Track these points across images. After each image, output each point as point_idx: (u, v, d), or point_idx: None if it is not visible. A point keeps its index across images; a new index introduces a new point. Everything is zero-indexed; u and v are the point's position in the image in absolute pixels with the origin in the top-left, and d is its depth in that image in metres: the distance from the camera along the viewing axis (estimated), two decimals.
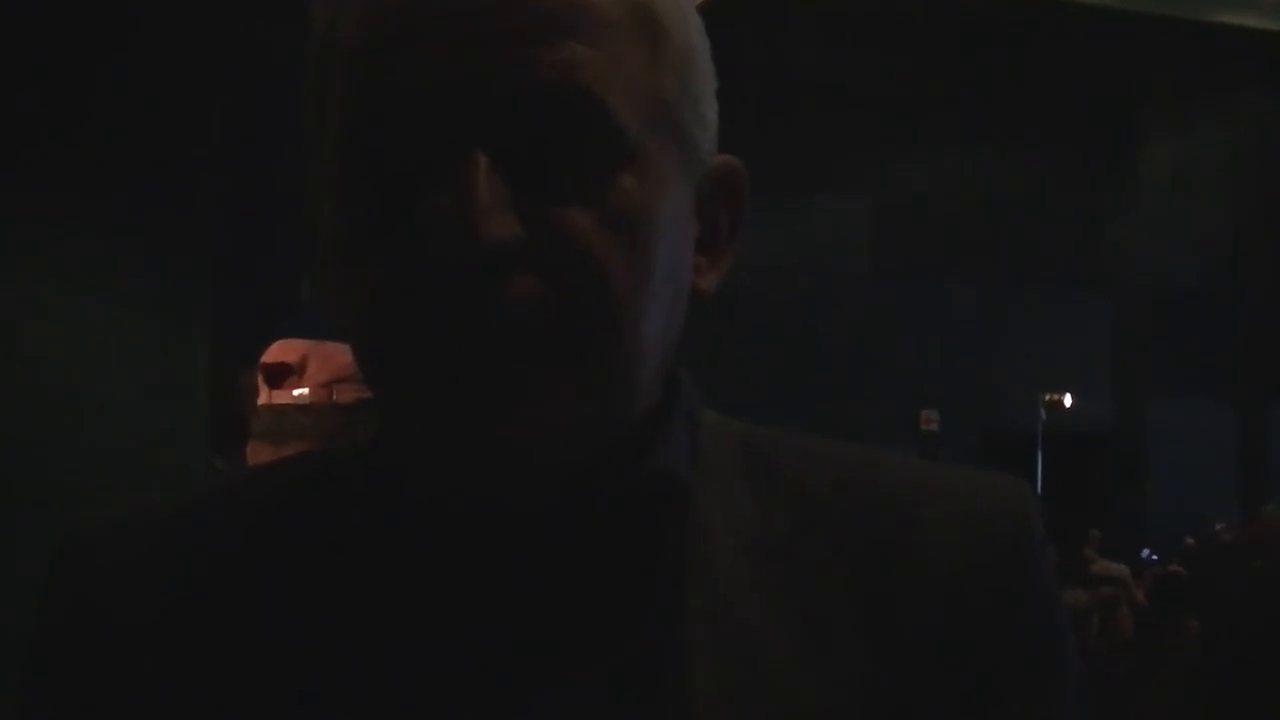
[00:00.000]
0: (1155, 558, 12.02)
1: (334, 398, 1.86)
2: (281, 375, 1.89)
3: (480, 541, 0.69)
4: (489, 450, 0.65)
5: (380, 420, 0.73)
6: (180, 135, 5.71)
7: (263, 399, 1.91)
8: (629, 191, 0.64)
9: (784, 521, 0.71)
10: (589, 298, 0.63)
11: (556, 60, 0.63)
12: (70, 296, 5.80)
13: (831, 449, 0.76)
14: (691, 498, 0.69)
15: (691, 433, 0.72)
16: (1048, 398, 15.47)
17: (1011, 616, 0.70)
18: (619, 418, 0.67)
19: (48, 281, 5.83)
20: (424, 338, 0.63)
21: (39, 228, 5.79)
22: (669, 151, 0.67)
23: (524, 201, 0.62)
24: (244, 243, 5.77)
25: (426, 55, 0.63)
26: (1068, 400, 15.64)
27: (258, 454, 1.90)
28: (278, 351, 1.93)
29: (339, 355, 1.84)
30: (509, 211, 0.62)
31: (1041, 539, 0.74)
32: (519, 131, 0.63)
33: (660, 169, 0.66)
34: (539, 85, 0.63)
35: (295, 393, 1.86)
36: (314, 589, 0.71)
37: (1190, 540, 12.34)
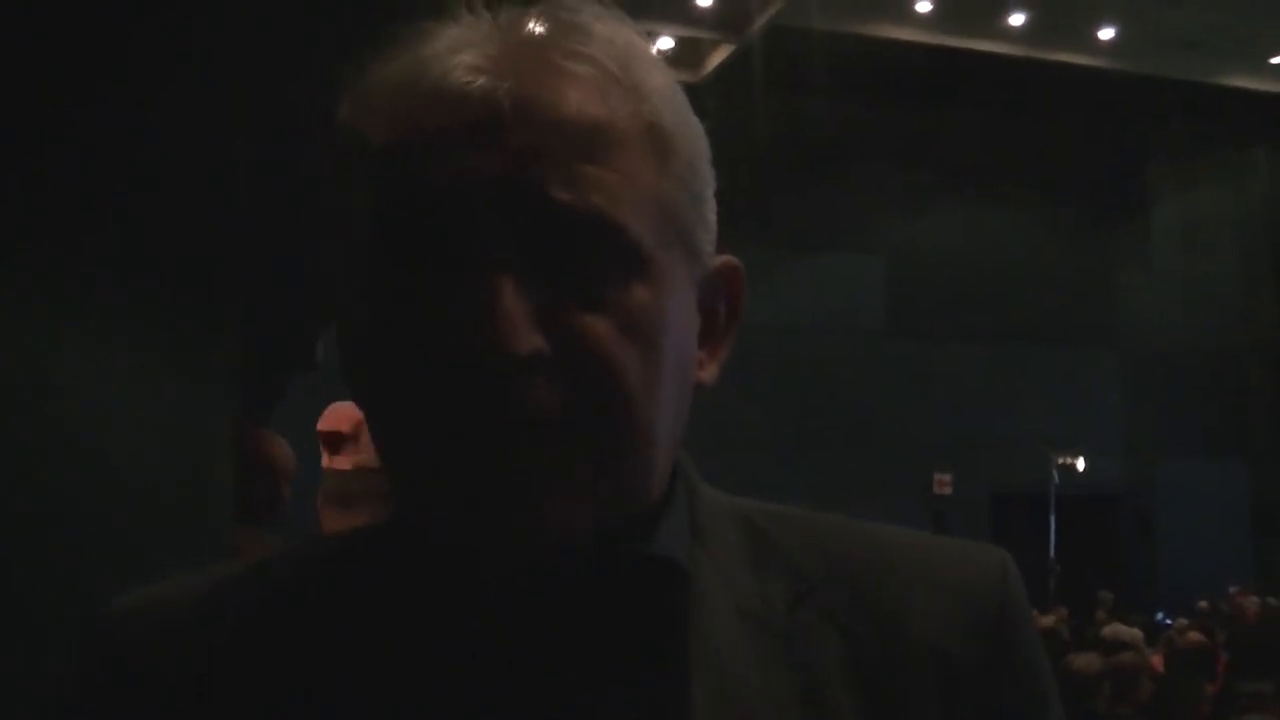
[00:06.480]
0: (1170, 621, 11.95)
1: None
2: (338, 442, 1.94)
3: (487, 604, 0.71)
4: (508, 544, 0.67)
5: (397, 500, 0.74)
6: (206, 199, 5.78)
7: (325, 463, 1.95)
8: (642, 300, 0.67)
9: (780, 595, 0.74)
10: (606, 401, 0.66)
11: (575, 182, 0.66)
12: (93, 353, 5.84)
13: (825, 525, 0.79)
14: (690, 580, 0.72)
15: (691, 511, 0.76)
16: (1061, 460, 15.44)
17: (999, 683, 0.73)
18: (634, 507, 0.70)
19: (73, 334, 5.88)
20: (449, 438, 0.66)
21: (65, 285, 5.84)
22: (677, 257, 0.71)
23: (544, 309, 0.65)
24: (262, 302, 5.82)
25: (454, 162, 0.66)
26: (1080, 464, 15.60)
27: (327, 515, 1.94)
28: (331, 419, 1.97)
29: None
30: (531, 323, 0.65)
31: (1025, 605, 0.77)
32: (540, 242, 0.66)
33: (670, 276, 0.70)
34: (556, 206, 0.65)
35: (357, 459, 1.91)
36: (334, 651, 0.73)
37: (1203, 603, 12.26)
